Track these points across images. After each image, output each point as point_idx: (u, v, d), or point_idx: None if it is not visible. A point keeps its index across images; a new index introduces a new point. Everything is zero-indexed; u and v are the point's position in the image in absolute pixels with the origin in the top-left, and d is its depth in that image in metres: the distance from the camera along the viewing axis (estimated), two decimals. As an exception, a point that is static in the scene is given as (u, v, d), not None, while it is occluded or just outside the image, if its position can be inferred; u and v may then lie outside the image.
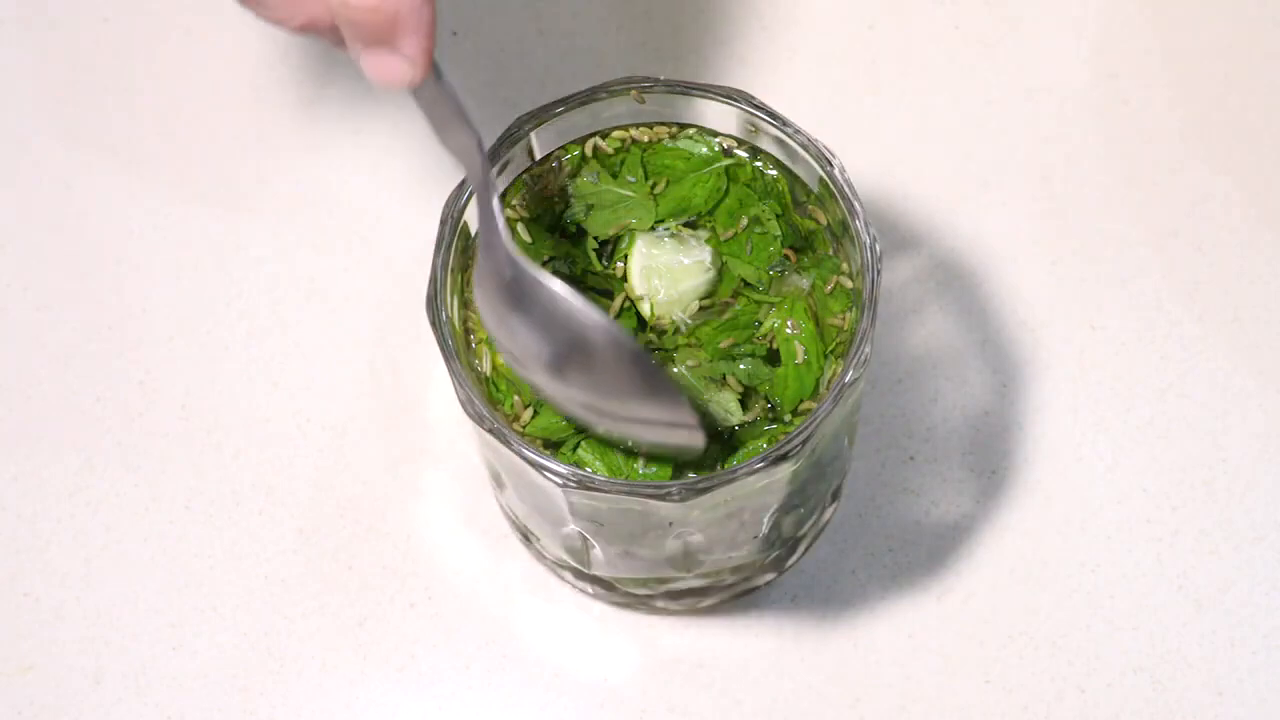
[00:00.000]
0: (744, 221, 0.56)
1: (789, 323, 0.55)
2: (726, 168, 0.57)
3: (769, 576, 0.62)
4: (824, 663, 0.62)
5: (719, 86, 0.56)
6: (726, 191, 0.57)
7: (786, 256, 0.56)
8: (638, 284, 0.56)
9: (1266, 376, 0.66)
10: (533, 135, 0.56)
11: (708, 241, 0.56)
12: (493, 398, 0.55)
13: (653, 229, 0.56)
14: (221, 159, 0.69)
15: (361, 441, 0.65)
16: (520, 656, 0.62)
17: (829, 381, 0.54)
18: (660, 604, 0.62)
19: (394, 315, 0.66)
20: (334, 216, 0.68)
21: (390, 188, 0.69)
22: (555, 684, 0.62)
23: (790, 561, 0.62)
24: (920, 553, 0.63)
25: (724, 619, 0.63)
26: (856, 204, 0.54)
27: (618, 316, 0.55)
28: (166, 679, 0.62)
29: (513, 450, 0.52)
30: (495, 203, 0.50)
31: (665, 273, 0.56)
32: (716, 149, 0.57)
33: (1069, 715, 0.61)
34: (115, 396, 0.66)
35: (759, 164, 0.57)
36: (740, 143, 0.57)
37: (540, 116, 0.56)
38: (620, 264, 0.56)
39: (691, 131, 0.57)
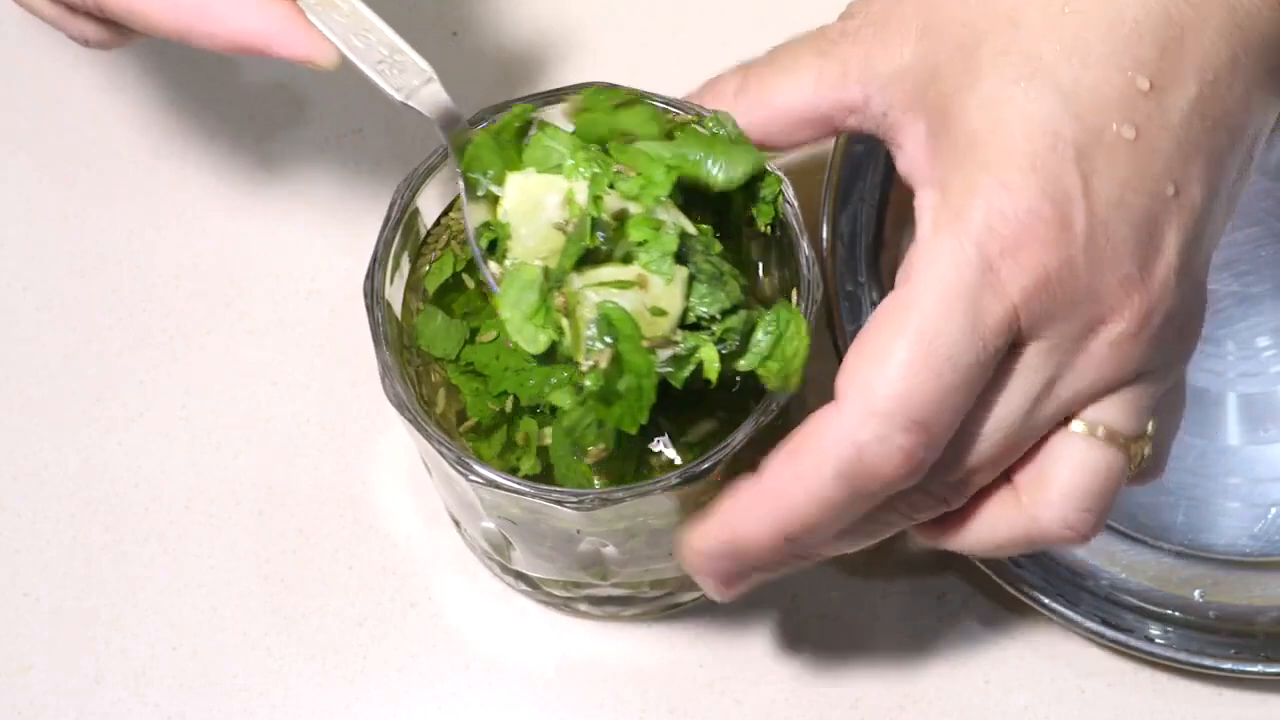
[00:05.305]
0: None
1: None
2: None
3: (695, 594, 0.61)
4: (824, 663, 0.62)
5: (695, 105, 0.53)
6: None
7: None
8: None
9: None
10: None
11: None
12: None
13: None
14: (221, 158, 0.69)
15: (361, 441, 0.65)
16: (520, 657, 0.62)
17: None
18: (583, 608, 0.61)
19: (394, 315, 0.66)
20: (334, 216, 0.68)
21: (391, 188, 0.68)
22: (555, 684, 0.62)
23: None
24: (920, 552, 0.63)
25: (724, 619, 0.63)
26: (801, 234, 0.52)
27: None
28: (166, 679, 0.62)
29: (431, 443, 0.51)
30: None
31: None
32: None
33: (1069, 715, 0.61)
34: (115, 396, 0.66)
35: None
36: None
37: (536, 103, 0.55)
38: None
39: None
